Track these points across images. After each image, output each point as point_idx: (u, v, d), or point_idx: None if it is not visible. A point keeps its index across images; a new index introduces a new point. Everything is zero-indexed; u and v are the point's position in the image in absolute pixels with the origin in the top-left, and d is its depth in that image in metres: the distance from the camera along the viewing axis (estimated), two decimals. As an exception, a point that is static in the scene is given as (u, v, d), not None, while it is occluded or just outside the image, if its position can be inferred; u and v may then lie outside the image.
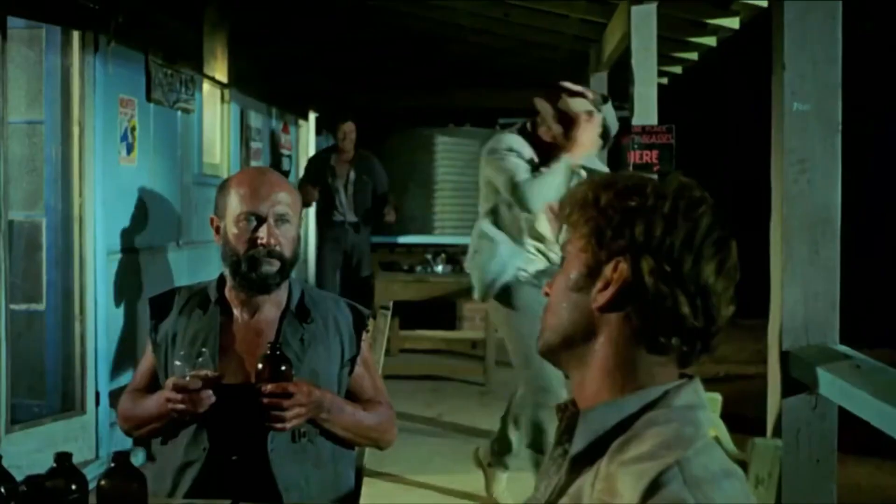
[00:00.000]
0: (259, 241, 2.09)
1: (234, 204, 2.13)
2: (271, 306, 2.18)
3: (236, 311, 2.18)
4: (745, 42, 5.44)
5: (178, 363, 2.02)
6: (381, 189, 6.82)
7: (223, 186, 2.19)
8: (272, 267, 2.11)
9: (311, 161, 7.24)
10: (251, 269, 2.10)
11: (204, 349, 2.06)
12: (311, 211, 9.12)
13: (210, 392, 1.97)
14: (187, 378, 1.96)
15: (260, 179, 2.17)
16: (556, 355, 1.22)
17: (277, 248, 2.11)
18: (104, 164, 4.34)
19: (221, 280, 2.22)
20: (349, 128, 6.73)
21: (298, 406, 1.97)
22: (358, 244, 6.86)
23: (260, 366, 1.98)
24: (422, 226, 8.65)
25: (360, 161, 6.79)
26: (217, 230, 2.18)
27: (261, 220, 2.11)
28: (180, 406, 1.97)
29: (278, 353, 1.98)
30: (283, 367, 1.96)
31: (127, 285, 4.60)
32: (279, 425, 1.96)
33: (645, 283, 1.11)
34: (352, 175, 6.72)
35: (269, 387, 1.94)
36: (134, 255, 4.71)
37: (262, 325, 2.16)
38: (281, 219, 2.13)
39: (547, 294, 1.24)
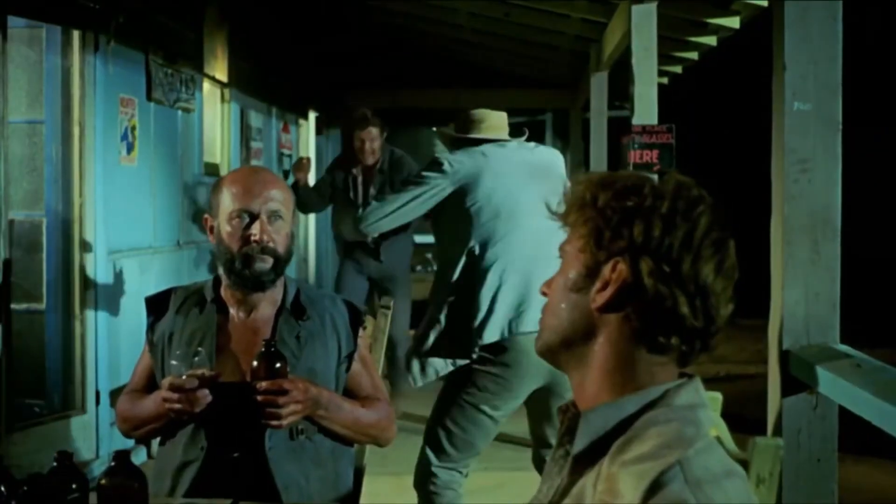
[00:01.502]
0: (252, 238, 2.10)
1: (227, 202, 2.14)
2: (267, 304, 2.18)
3: (232, 310, 2.18)
4: (745, 42, 5.45)
5: (174, 363, 2.02)
6: None
7: (216, 186, 2.20)
8: (266, 264, 2.11)
9: (328, 170, 5.73)
10: (245, 266, 2.11)
11: (200, 348, 2.06)
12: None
13: (207, 391, 1.96)
14: (184, 377, 1.96)
15: (252, 178, 2.18)
16: (555, 356, 1.22)
17: (271, 244, 2.11)
18: (104, 163, 4.34)
19: (217, 279, 2.22)
20: (368, 135, 5.24)
21: (294, 403, 1.97)
22: (383, 275, 5.41)
23: (255, 363, 1.97)
24: (422, 225, 8.63)
25: (389, 170, 5.28)
26: (211, 230, 2.19)
27: (253, 217, 2.12)
28: (177, 405, 1.96)
29: (273, 350, 1.98)
30: (279, 365, 1.96)
31: (127, 285, 4.60)
32: (275, 422, 1.96)
33: (644, 283, 1.11)
34: (372, 190, 5.24)
35: (264, 384, 1.94)
36: (134, 254, 4.71)
37: (258, 324, 2.16)
38: (274, 215, 2.14)
39: (545, 294, 1.24)
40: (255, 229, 2.10)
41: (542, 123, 12.29)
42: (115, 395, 4.27)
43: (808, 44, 2.16)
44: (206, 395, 1.96)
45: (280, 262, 2.14)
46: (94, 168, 4.28)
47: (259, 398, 1.94)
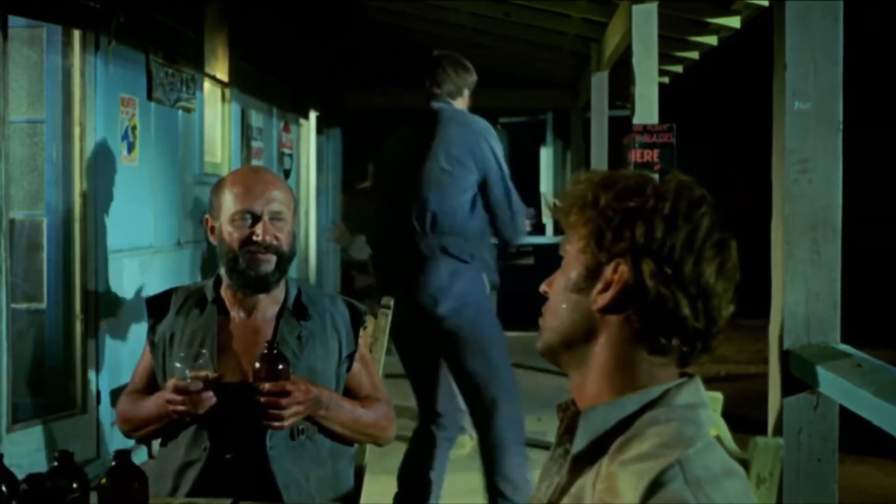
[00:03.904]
0: (255, 238, 2.10)
1: (229, 203, 2.14)
2: (268, 305, 2.18)
3: (233, 311, 2.18)
4: (745, 41, 5.45)
5: (177, 364, 2.02)
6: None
7: (217, 187, 2.21)
8: (269, 264, 2.12)
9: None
10: (249, 267, 2.11)
11: (204, 350, 2.06)
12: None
13: (210, 393, 1.97)
14: (187, 379, 1.96)
15: (254, 178, 2.18)
16: (556, 356, 1.22)
17: (274, 242, 2.12)
18: (105, 163, 4.34)
19: (218, 280, 2.22)
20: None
21: (296, 404, 1.97)
22: None
23: (257, 365, 1.98)
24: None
25: None
26: (212, 230, 2.19)
27: (256, 217, 2.12)
28: (180, 407, 1.97)
29: (276, 351, 1.98)
30: (281, 366, 1.97)
31: (127, 285, 4.60)
32: (277, 423, 1.97)
33: (645, 285, 1.11)
34: None
35: (266, 385, 1.95)
36: (134, 254, 4.71)
37: (259, 324, 2.17)
38: (276, 216, 2.14)
39: (545, 293, 1.24)
40: (258, 230, 2.11)
41: (542, 123, 12.30)
42: (115, 395, 4.27)
43: (809, 44, 2.15)
44: (209, 397, 1.97)
45: (283, 261, 2.14)
46: (95, 168, 4.28)
47: (261, 399, 1.94)
